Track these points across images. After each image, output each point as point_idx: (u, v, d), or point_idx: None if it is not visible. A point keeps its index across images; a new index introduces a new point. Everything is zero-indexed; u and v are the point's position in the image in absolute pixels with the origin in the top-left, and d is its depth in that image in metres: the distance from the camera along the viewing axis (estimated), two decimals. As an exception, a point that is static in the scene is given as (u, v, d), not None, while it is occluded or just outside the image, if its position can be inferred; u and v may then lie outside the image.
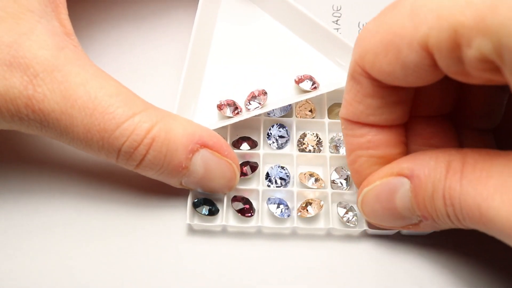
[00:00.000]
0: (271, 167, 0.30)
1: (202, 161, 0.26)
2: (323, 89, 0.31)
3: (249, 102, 0.31)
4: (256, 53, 0.33)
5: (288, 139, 0.31)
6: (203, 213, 0.28)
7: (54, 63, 0.24)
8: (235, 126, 0.31)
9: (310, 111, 0.32)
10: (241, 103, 0.31)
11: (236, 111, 0.30)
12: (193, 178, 0.27)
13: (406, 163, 0.24)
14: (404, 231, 0.29)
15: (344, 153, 0.30)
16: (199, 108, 0.31)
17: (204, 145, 0.26)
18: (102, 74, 0.25)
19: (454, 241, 0.29)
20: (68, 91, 0.24)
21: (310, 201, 0.29)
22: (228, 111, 0.30)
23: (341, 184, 0.30)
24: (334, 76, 0.32)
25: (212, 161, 0.26)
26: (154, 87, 0.33)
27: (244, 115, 0.30)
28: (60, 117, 0.24)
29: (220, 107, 0.31)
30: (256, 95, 0.31)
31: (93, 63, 0.26)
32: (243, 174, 0.29)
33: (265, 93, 0.31)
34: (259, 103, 0.31)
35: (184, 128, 0.26)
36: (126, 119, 0.24)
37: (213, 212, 0.28)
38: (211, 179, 0.27)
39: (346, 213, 0.29)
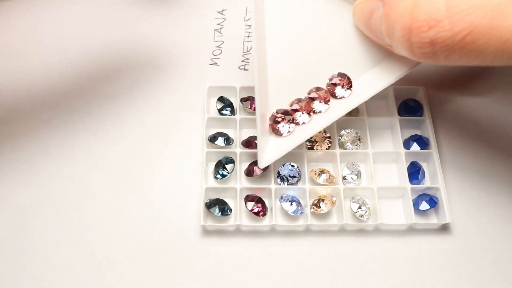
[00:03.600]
0: (281, 166, 0.30)
1: None
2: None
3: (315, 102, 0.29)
4: (316, 41, 0.29)
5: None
6: (216, 213, 0.28)
7: None
8: (242, 126, 0.31)
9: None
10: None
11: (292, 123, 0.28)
12: None
13: None
14: (418, 226, 0.29)
15: (353, 149, 0.31)
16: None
17: None
18: None
19: (467, 235, 0.29)
20: None
21: (322, 197, 0.29)
22: (285, 129, 0.28)
23: (352, 179, 0.30)
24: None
25: None
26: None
27: (314, 125, 0.28)
28: None
29: (273, 127, 0.28)
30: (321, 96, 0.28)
31: None
32: (252, 174, 0.30)
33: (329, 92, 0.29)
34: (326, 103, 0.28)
35: None
36: None
37: (226, 212, 0.28)
38: None
39: (359, 208, 0.29)
